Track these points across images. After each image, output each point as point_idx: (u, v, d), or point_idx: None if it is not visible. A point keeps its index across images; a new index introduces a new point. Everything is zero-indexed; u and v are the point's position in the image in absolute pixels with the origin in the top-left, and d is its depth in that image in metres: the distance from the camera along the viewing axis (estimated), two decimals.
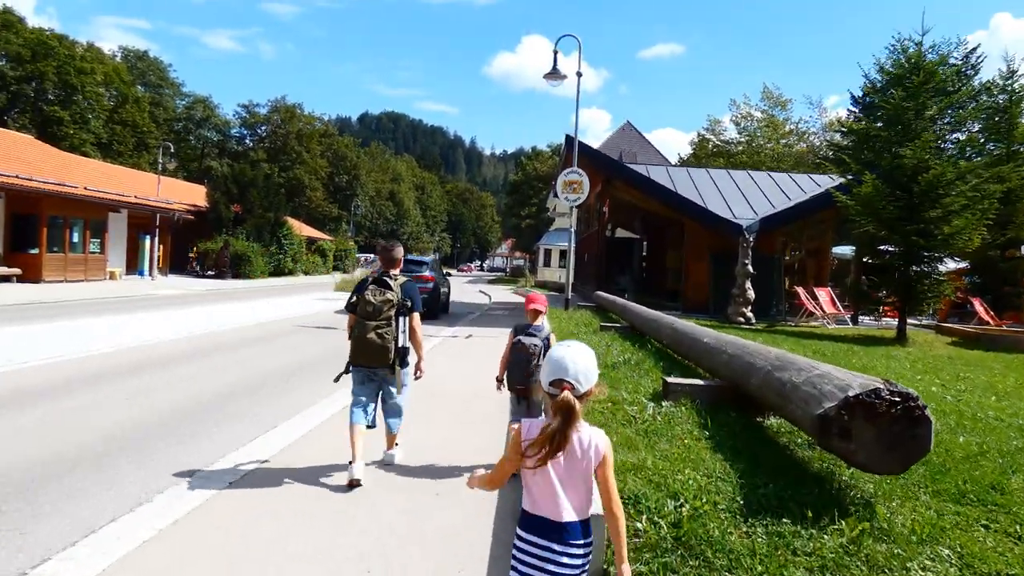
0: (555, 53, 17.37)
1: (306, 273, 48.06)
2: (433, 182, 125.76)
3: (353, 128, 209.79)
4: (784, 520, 3.54)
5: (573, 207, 17.63)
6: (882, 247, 17.16)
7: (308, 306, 22.60)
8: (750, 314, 18.89)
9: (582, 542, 2.25)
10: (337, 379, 5.32)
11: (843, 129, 36.89)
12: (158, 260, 34.94)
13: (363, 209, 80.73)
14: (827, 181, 23.93)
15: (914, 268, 16.41)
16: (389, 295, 5.21)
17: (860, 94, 35.40)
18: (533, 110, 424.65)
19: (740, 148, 41.96)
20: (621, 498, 2.61)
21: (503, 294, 38.64)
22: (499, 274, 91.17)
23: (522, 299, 32.58)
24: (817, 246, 22.62)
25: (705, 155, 44.71)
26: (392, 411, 5.42)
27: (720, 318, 18.70)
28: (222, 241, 38.26)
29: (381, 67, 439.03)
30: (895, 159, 15.69)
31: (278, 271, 43.03)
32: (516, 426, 2.35)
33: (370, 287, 5.26)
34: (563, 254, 49.66)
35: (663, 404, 6.15)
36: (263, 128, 70.33)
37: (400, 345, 5.22)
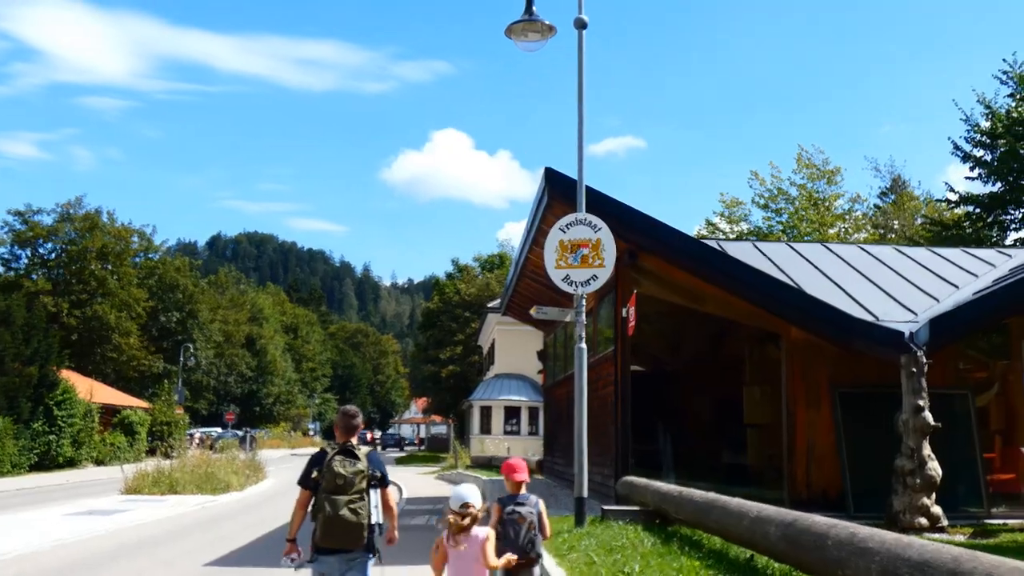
0: None
1: (99, 462, 40.34)
2: (311, 322, 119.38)
3: (200, 255, 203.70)
4: None
5: (582, 298, 11.17)
6: None
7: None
8: (938, 509, 12.92)
9: None
10: (297, 567, 6.44)
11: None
12: None
13: (201, 361, 72.93)
14: (997, 256, 18.88)
15: None
16: (359, 466, 6.25)
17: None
18: (449, 226, 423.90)
19: (776, 238, 37.60)
20: None
21: (423, 483, 32.54)
22: (410, 448, 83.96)
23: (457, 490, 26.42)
24: (1002, 372, 16.98)
25: None
26: None
27: (876, 518, 12.34)
28: None
29: (239, 177, 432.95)
30: None
31: (46, 460, 35.35)
32: (441, 541, 5.82)
33: (336, 458, 6.25)
34: (513, 413, 43.22)
35: None
36: (47, 246, 63.36)
37: (374, 522, 6.25)
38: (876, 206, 43.59)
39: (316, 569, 6.28)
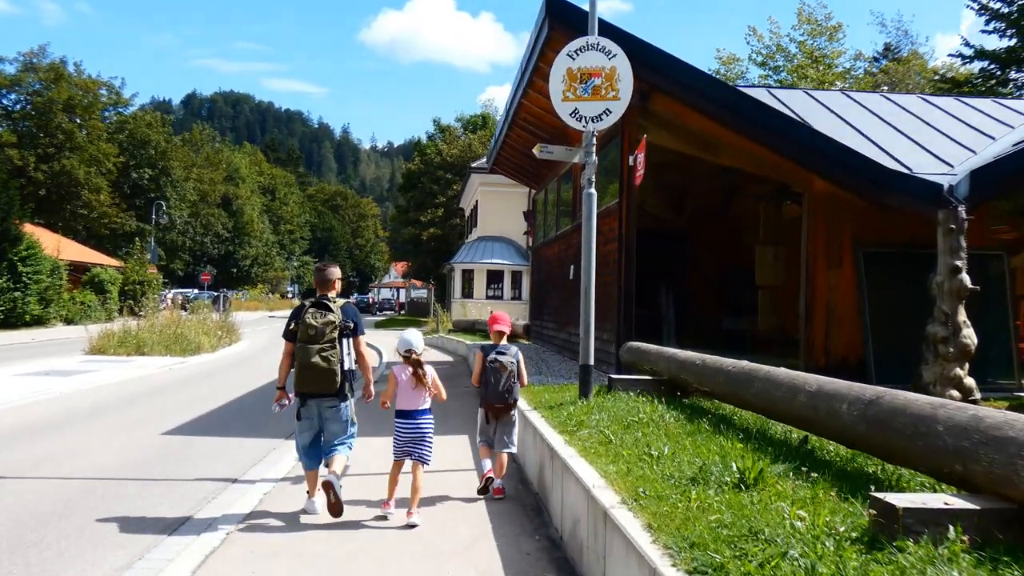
0: None
1: (69, 321, 38.94)
2: (289, 183, 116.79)
3: (175, 113, 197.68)
4: None
5: (592, 136, 9.55)
6: None
7: None
8: (971, 381, 11.68)
9: (429, 417, 6.94)
10: (299, 416, 6.90)
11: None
12: None
13: (176, 220, 71.00)
14: None
15: None
16: (331, 316, 6.74)
17: None
18: (430, 89, 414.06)
19: None
20: None
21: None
22: (388, 313, 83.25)
23: (446, 357, 25.59)
24: None
25: None
26: (334, 446, 6.95)
27: (901, 389, 10.99)
28: None
29: (214, 34, 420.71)
30: None
31: (12, 318, 34.11)
32: (392, 373, 6.98)
33: (310, 311, 6.74)
34: (496, 276, 41.96)
35: None
36: (11, 97, 60.55)
37: (346, 368, 6.81)
38: (870, 72, 41.70)
39: (303, 413, 6.88)
